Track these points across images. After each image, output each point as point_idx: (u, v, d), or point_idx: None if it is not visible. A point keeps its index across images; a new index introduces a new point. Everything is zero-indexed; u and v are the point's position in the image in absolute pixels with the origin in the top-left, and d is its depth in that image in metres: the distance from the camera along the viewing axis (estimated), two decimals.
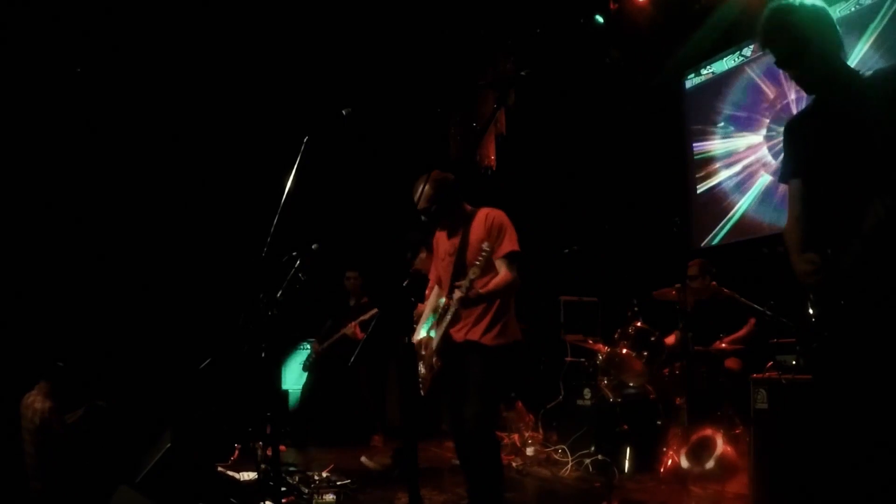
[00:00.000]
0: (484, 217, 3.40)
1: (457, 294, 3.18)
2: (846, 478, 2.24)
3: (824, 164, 2.31)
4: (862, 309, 2.16)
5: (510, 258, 3.32)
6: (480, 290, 3.21)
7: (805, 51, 2.27)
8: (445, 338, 3.34)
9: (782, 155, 2.54)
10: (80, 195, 6.38)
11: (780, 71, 2.43)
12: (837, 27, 2.32)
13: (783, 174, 2.48)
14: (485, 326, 3.32)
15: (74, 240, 6.25)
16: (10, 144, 5.96)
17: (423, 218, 3.44)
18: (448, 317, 3.27)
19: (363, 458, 5.25)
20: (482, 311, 3.33)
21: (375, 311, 6.58)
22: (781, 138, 2.55)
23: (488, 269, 3.27)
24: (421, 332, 3.55)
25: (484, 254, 3.14)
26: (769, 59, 2.38)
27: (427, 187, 3.37)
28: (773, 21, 2.31)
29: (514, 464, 5.39)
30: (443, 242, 3.58)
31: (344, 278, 7.01)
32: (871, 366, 2.15)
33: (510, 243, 3.33)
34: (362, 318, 6.66)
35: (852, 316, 2.18)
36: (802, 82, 2.36)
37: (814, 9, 2.29)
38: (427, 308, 3.67)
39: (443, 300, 3.45)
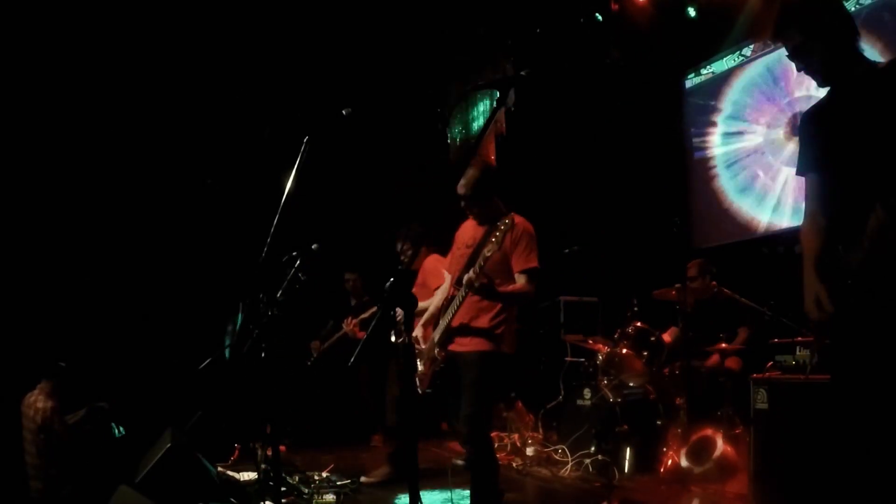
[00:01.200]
0: (514, 225, 3.21)
1: (467, 276, 3.07)
2: (854, 474, 2.24)
3: (838, 157, 2.28)
4: (870, 308, 2.14)
5: (531, 274, 3.31)
6: (498, 290, 3.17)
7: (820, 40, 2.24)
8: (448, 329, 3.28)
9: (798, 148, 2.48)
10: (81, 195, 6.39)
11: (781, 70, 2.42)
12: (852, 16, 2.30)
13: (799, 168, 2.45)
14: (484, 324, 3.27)
15: (76, 240, 6.25)
16: (10, 145, 5.96)
17: (462, 204, 3.40)
18: (452, 307, 3.22)
19: (363, 479, 5.04)
20: (485, 308, 3.27)
21: (375, 308, 6.55)
22: (780, 138, 2.54)
23: (505, 276, 3.26)
24: (419, 330, 3.50)
25: (488, 253, 2.99)
26: (769, 58, 2.37)
27: (473, 171, 3.32)
28: (787, 11, 2.29)
29: (514, 464, 5.39)
30: (466, 233, 3.50)
31: (343, 280, 6.99)
32: (880, 364, 2.13)
33: (534, 259, 3.33)
34: (363, 316, 6.64)
35: (861, 315, 2.17)
36: (816, 73, 2.32)
37: None
38: (433, 304, 3.59)
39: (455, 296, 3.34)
